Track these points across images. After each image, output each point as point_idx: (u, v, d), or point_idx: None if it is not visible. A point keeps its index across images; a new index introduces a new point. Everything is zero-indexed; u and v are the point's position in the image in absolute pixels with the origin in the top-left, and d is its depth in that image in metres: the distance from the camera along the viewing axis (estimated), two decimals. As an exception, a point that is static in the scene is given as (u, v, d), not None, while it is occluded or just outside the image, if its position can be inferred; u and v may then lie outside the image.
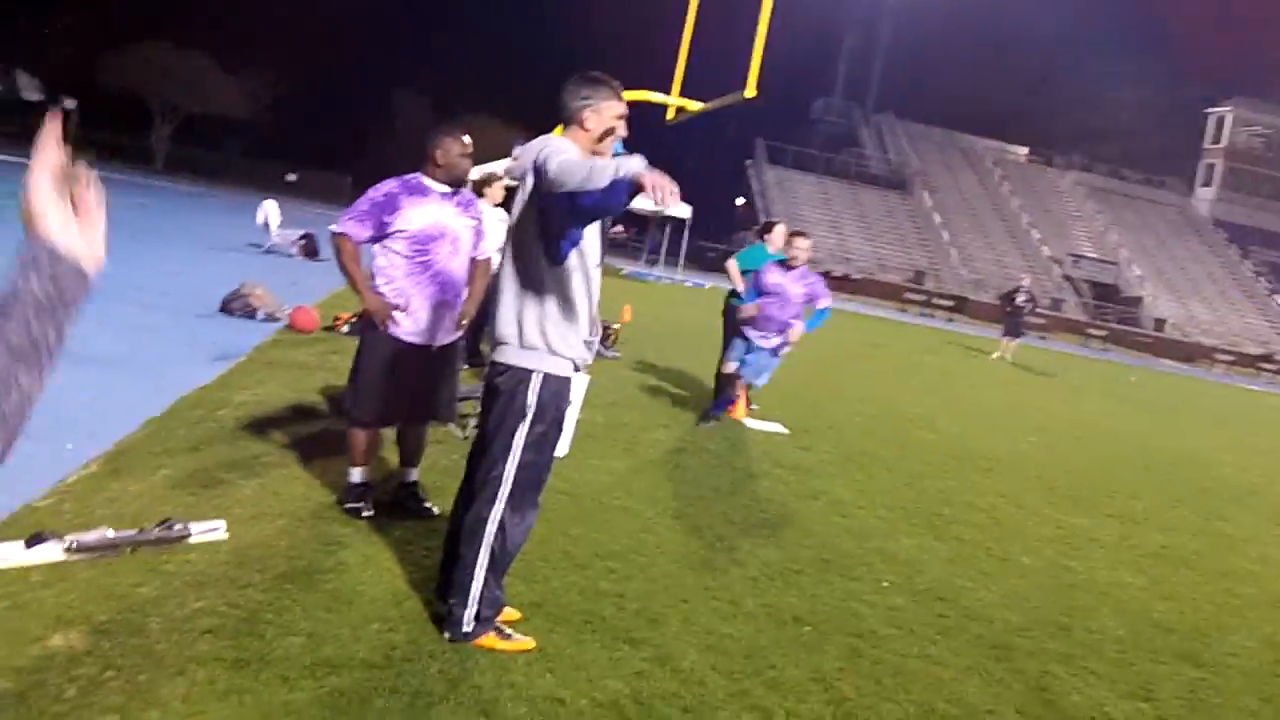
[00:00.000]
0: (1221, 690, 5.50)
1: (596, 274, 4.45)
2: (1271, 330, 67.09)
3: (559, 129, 4.52)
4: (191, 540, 4.87)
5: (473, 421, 7.93)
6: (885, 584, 6.25)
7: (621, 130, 4.45)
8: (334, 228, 5.79)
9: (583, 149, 4.35)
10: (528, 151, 4.40)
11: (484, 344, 11.54)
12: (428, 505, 6.05)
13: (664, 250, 48.76)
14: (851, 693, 4.57)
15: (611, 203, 3.91)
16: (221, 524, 4.99)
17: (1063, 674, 5.30)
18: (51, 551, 4.46)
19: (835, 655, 4.98)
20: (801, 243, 10.34)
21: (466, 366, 9.83)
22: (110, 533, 4.67)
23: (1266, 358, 60.53)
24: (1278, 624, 6.96)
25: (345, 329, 11.95)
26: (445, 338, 6.00)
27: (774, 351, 10.45)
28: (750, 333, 10.44)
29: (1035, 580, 6.98)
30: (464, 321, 6.13)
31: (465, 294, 6.10)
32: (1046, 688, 5.07)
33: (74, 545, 4.50)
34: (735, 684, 4.44)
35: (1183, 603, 7.07)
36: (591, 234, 4.38)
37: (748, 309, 10.41)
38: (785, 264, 10.32)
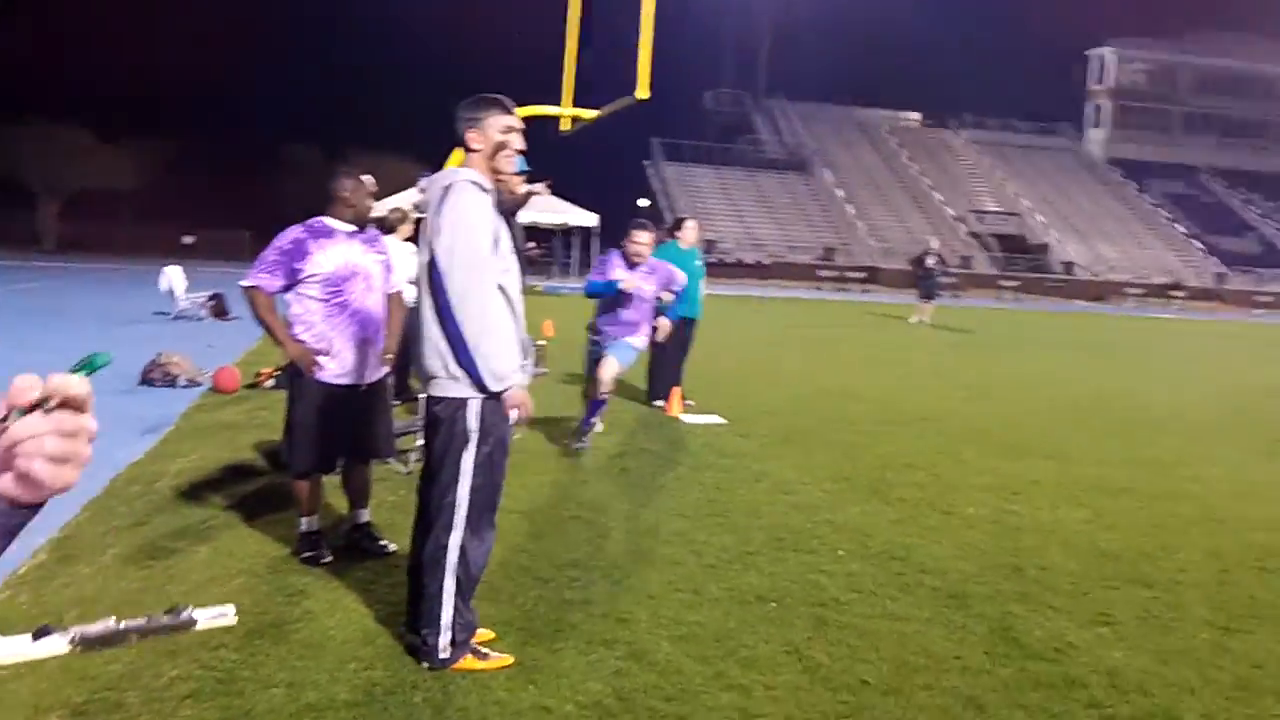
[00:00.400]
0: (1174, 605, 5.71)
1: (519, 297, 4.53)
2: (1177, 259, 68.72)
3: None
4: (199, 627, 4.80)
5: (414, 456, 7.97)
6: (840, 552, 6.39)
7: (516, 143, 4.52)
8: (245, 282, 5.79)
9: (480, 170, 4.43)
10: (433, 185, 4.48)
11: (413, 379, 11.56)
12: (383, 543, 6.08)
13: (575, 261, 48.87)
14: (824, 659, 4.70)
15: (461, 351, 4.29)
16: (231, 609, 4.94)
17: (1022, 612, 5.47)
18: (57, 645, 4.40)
19: (802, 626, 5.10)
20: (642, 236, 9.38)
21: (398, 403, 9.83)
22: (115, 622, 4.61)
23: (1175, 285, 62.11)
24: (1218, 537, 7.21)
25: (270, 383, 11.88)
26: (373, 375, 6.04)
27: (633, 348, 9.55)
28: (608, 330, 9.50)
29: (982, 528, 7.17)
30: (388, 357, 6.18)
31: (385, 330, 6.14)
32: (1009, 627, 5.23)
33: (78, 638, 4.43)
34: (711, 667, 4.54)
35: (1126, 530, 7.30)
36: (508, 260, 4.46)
37: (627, 281, 9.25)
38: (629, 262, 9.35)
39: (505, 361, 4.29)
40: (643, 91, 11.94)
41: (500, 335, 4.28)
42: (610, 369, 9.26)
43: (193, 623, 4.80)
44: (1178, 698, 4.45)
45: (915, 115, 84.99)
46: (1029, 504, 7.95)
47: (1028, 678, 4.60)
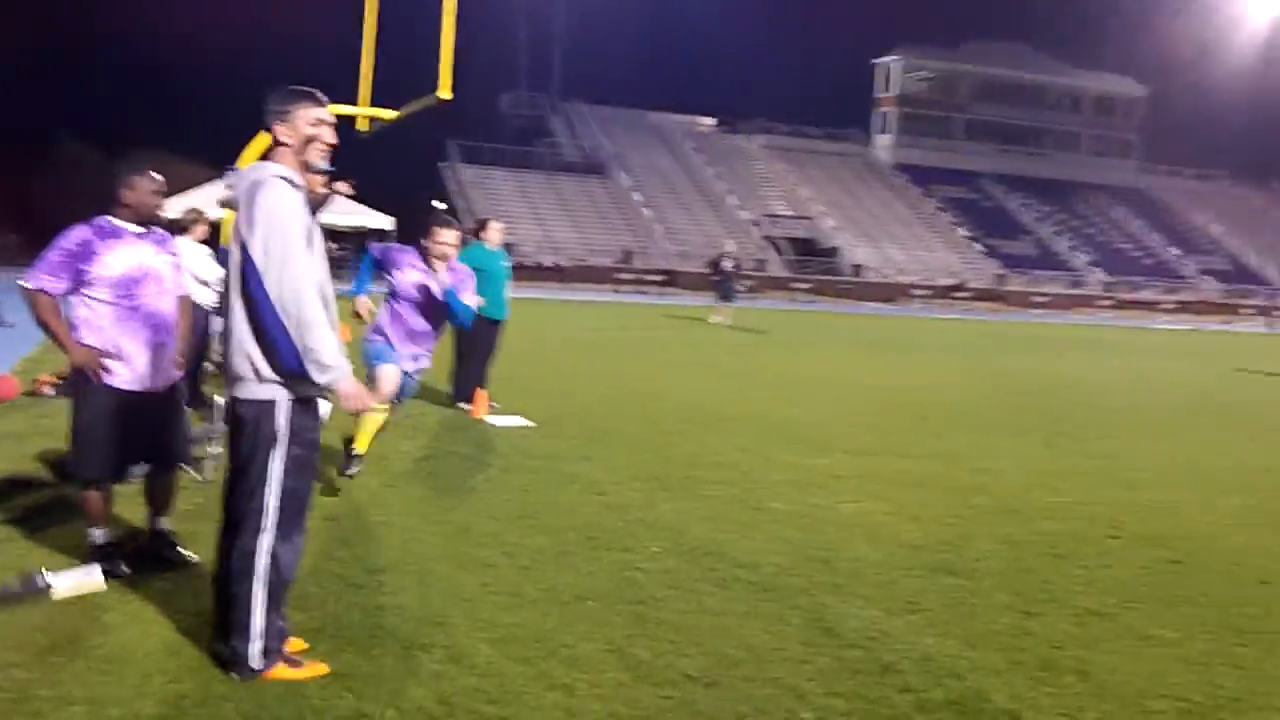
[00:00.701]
0: (977, 592, 5.94)
1: (331, 296, 4.39)
2: (960, 261, 71.71)
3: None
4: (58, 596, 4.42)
5: (209, 463, 7.67)
6: (655, 550, 6.42)
7: (327, 137, 4.39)
8: (26, 284, 5.45)
9: (290, 165, 4.29)
10: (241, 181, 4.30)
11: (204, 384, 11.13)
12: (183, 552, 5.82)
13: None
14: (646, 655, 4.70)
15: (284, 350, 4.17)
16: (97, 569, 4.62)
17: (835, 603, 5.59)
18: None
19: (622, 624, 5.09)
20: (448, 235, 8.10)
21: (190, 409, 9.44)
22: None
23: (958, 287, 64.97)
24: (1011, 526, 7.54)
25: (50, 391, 11.26)
26: (165, 380, 5.78)
27: (415, 372, 8.24)
28: (396, 344, 8.07)
29: (790, 522, 7.31)
30: (180, 360, 5.93)
31: (176, 334, 5.89)
32: (823, 618, 5.34)
33: None
34: (533, 668, 4.49)
35: (926, 521, 7.56)
36: (319, 257, 4.32)
37: (360, 304, 8.56)
38: (430, 263, 8.06)
39: (331, 355, 4.13)
40: (445, 91, 11.80)
41: (322, 329, 4.13)
42: (390, 379, 7.78)
43: (47, 588, 4.52)
44: (987, 680, 4.61)
45: (709, 120, 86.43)
46: (834, 498, 8.15)
47: (844, 666, 4.71)
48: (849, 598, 5.70)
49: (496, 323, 12.04)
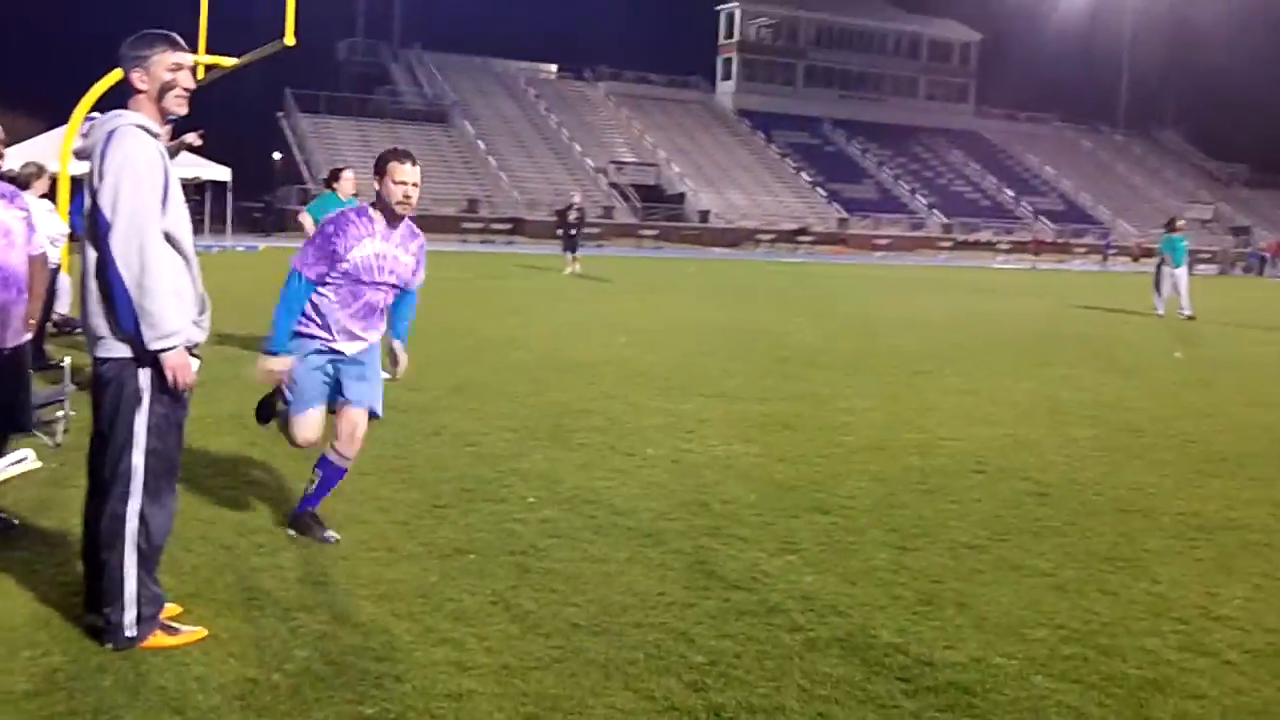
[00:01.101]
0: (851, 529, 6.05)
1: (192, 248, 4.20)
2: (803, 206, 72.87)
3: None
4: None
5: (61, 426, 7.34)
6: (531, 500, 6.38)
7: (185, 82, 4.18)
8: None
9: (147, 112, 4.08)
10: (97, 129, 4.08)
11: (47, 344, 10.64)
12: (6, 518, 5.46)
13: (208, 217, 46.38)
14: (532, 606, 4.66)
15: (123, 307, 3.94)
16: (30, 454, 4.31)
17: (714, 545, 5.63)
18: None
19: (505, 576, 5.04)
20: (410, 171, 5.36)
21: (34, 370, 9.02)
22: None
23: (802, 231, 66.04)
24: (880, 464, 7.70)
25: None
26: (14, 339, 5.51)
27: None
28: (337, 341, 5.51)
29: (664, 468, 7.34)
30: (31, 321, 5.65)
31: (27, 293, 5.61)
32: (704, 560, 5.38)
33: None
34: (419, 623, 4.41)
35: (796, 461, 7.66)
36: (179, 209, 4.13)
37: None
38: (388, 216, 5.49)
39: (170, 320, 3.94)
40: (290, 38, 11.43)
41: (164, 290, 3.93)
42: (360, 416, 5.62)
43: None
44: (870, 616, 4.69)
45: (552, 67, 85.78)
46: (703, 442, 8.20)
47: (731, 608, 4.73)
48: (728, 540, 5.74)
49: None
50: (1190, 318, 22.13)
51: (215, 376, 10.08)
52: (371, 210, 5.52)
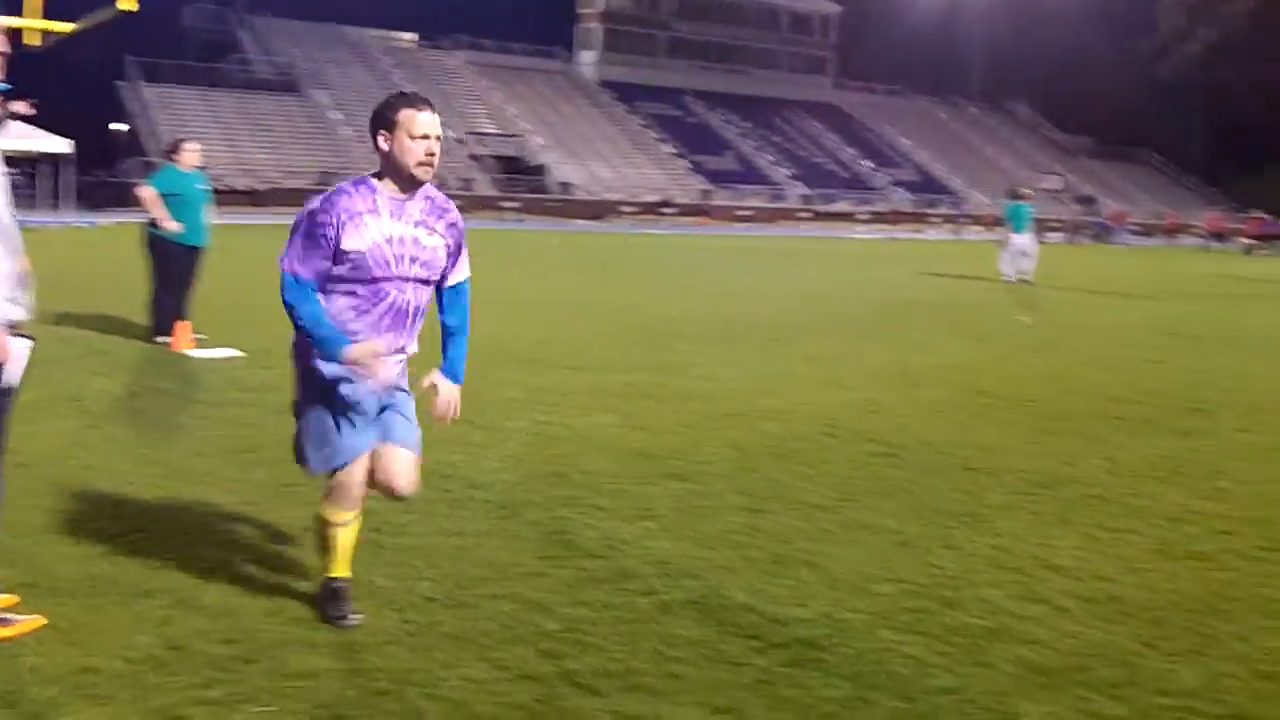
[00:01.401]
0: (707, 494, 6.16)
1: (14, 223, 4.01)
2: (666, 177, 73.04)
3: None
4: None
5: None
6: (380, 476, 6.28)
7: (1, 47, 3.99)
8: None
9: None
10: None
11: None
12: None
13: (52, 191, 44.70)
14: (385, 582, 4.62)
15: None
16: None
17: (572, 515, 5.66)
18: None
19: (358, 554, 4.91)
20: (431, 122, 4.24)
21: None
22: None
23: (665, 203, 66.31)
24: (736, 430, 7.83)
25: None
26: None
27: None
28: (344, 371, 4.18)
29: (522, 440, 7.34)
30: None
31: None
32: (562, 530, 5.40)
33: None
34: (270, 603, 4.33)
35: (654, 430, 7.74)
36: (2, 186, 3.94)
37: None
38: (400, 185, 4.26)
39: None
40: (129, 2, 11.03)
41: None
42: (407, 460, 4.37)
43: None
44: (724, 578, 4.77)
45: (410, 36, 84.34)
46: (563, 414, 8.22)
47: (586, 576, 4.76)
48: (585, 509, 5.76)
49: (195, 249, 11.42)
50: (1027, 282, 22.84)
51: (52, 357, 9.73)
52: (374, 180, 4.25)
